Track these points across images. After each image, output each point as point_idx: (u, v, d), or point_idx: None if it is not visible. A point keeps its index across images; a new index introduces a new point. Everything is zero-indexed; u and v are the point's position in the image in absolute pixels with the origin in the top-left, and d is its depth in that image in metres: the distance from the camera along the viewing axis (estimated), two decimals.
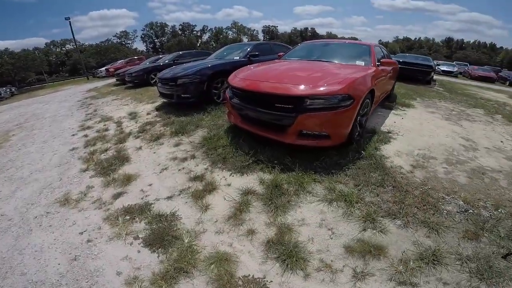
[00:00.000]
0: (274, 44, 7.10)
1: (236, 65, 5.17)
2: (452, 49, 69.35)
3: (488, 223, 1.93)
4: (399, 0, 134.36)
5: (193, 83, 4.67)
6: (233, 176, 2.61)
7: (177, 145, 3.42)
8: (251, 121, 2.97)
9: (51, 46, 55.23)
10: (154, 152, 3.32)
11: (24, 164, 3.59)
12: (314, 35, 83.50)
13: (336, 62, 3.63)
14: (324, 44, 4.49)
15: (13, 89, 20.74)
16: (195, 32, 72.93)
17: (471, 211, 2.06)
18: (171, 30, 70.74)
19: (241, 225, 1.99)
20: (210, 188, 2.43)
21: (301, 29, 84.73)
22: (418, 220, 1.90)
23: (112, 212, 2.26)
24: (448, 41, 73.93)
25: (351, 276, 1.56)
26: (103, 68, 21.95)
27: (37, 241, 2.06)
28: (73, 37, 29.23)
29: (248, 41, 67.87)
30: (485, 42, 70.94)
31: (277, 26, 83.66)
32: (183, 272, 1.64)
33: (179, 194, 2.41)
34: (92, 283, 1.65)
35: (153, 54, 50.40)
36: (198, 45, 66.78)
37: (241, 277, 1.59)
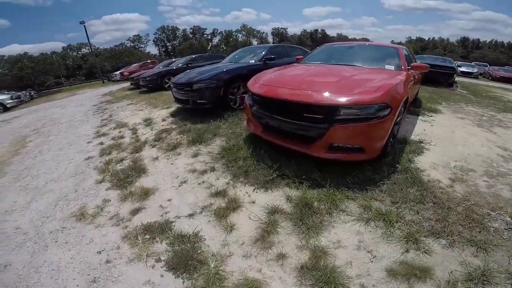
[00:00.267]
0: (289, 47, 6.91)
1: (252, 69, 5.02)
2: (468, 49, 67.09)
3: None
4: (409, 0, 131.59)
5: (209, 88, 4.53)
6: (257, 192, 2.44)
7: (195, 155, 3.27)
8: (274, 131, 2.78)
9: (68, 50, 57.01)
10: (172, 163, 3.18)
11: (40, 173, 3.54)
12: (325, 37, 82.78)
13: (364, 66, 3.39)
14: (348, 46, 4.25)
15: (32, 93, 21.32)
16: (205, 35, 73.69)
17: None
18: (182, 34, 71.73)
19: (270, 248, 1.83)
20: (234, 205, 2.26)
21: (311, 30, 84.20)
22: (464, 239, 1.78)
23: (130, 230, 2.12)
24: (464, 40, 71.61)
25: None
26: (118, 72, 22.35)
27: (54, 258, 1.96)
28: (88, 41, 30.06)
29: (258, 43, 68.06)
30: (502, 42, 68.22)
31: (287, 28, 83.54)
32: None
33: (201, 212, 2.26)
34: None
35: (165, 58, 51.27)
36: (209, 48, 67.40)
37: None
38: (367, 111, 2.25)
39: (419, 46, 68.73)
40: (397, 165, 2.63)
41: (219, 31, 75.24)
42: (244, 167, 2.77)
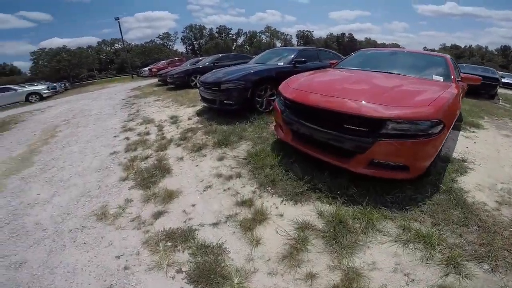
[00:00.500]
0: (320, 50, 6.65)
1: (281, 72, 4.86)
2: (509, 58, 62.44)
3: None
4: (445, 6, 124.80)
5: (237, 89, 4.43)
6: (285, 204, 2.27)
7: (220, 159, 3.16)
8: (306, 140, 2.59)
9: (102, 45, 60.20)
10: (197, 165, 3.09)
11: (66, 165, 3.60)
12: (352, 41, 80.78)
13: (408, 75, 3.11)
14: (390, 53, 3.95)
15: (67, 84, 22.68)
16: (230, 35, 74.57)
17: None
18: (208, 33, 73.13)
19: (298, 267, 1.68)
20: (260, 217, 2.11)
21: (337, 34, 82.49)
22: (508, 264, 1.67)
23: (152, 235, 2.03)
24: (504, 49, 66.80)
25: None
26: (147, 68, 23.14)
27: (70, 260, 1.90)
28: (122, 37, 31.45)
29: (281, 45, 67.74)
30: None
31: (313, 31, 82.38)
32: None
33: (226, 221, 2.13)
34: None
35: (191, 56, 52.40)
36: (233, 48, 68.10)
37: None
38: (418, 127, 2.01)
39: (454, 53, 64.90)
40: (441, 185, 2.41)
41: (243, 32, 75.94)
42: (272, 176, 2.61)
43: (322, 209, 2.14)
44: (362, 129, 2.12)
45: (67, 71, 33.70)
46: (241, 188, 2.54)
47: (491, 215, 2.09)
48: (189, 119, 5.09)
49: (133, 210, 2.38)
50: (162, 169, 3.01)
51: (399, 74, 3.10)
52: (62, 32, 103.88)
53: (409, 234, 1.87)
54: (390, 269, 1.65)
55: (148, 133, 4.52)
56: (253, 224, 2.05)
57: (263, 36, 75.58)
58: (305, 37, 78.62)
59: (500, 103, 8.40)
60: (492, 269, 1.63)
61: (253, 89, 4.48)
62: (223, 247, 1.87)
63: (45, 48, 36.36)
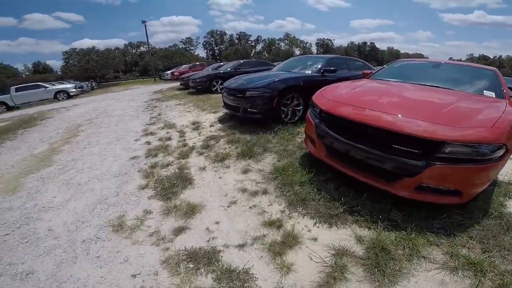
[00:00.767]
0: (349, 59, 6.37)
1: (309, 81, 4.65)
2: None
3: None
4: (473, 15, 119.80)
5: (262, 97, 4.24)
6: (318, 226, 2.04)
7: (245, 172, 2.96)
8: (343, 158, 2.35)
9: (128, 47, 62.74)
10: (220, 177, 2.91)
11: (85, 168, 3.55)
12: (374, 50, 79.29)
13: (455, 89, 2.79)
14: (431, 64, 3.62)
15: (93, 84, 23.70)
16: (249, 41, 75.36)
17: None
18: (229, 39, 74.31)
19: None
20: (291, 241, 1.89)
21: (358, 43, 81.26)
22: None
23: (172, 254, 1.86)
24: None
25: None
26: (169, 72, 23.70)
27: (81, 274, 1.76)
28: (147, 40, 32.68)
29: (300, 53, 67.50)
30: None
31: (333, 39, 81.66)
32: None
33: (252, 244, 1.92)
34: None
35: (212, 61, 53.41)
36: (252, 54, 68.68)
37: None
38: (480, 151, 1.75)
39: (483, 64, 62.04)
40: (491, 210, 2.18)
41: (262, 38, 76.53)
42: (302, 194, 2.38)
43: (360, 234, 1.92)
44: (414, 150, 1.86)
45: (95, 71, 35.28)
46: (268, 206, 2.33)
47: None
48: (211, 125, 4.97)
49: (152, 223, 2.22)
50: (184, 179, 2.86)
51: (447, 89, 2.79)
52: (93, 33, 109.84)
53: (457, 261, 1.71)
54: None
55: (169, 139, 4.43)
56: (283, 249, 1.84)
57: (282, 44, 75.81)
58: (325, 45, 78.06)
59: None
60: None
61: (278, 98, 4.27)
62: (250, 272, 1.68)
63: (76, 48, 38.29)
